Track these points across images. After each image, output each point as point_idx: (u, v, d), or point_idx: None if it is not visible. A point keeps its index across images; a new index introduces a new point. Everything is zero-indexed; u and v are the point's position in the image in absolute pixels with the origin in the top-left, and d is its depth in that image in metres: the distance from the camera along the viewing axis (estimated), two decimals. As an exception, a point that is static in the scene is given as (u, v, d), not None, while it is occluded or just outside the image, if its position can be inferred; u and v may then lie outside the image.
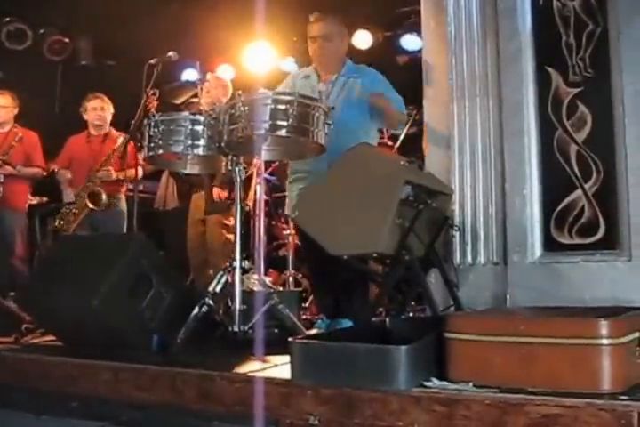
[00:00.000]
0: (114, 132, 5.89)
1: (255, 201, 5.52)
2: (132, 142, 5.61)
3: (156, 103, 4.63)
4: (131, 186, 6.48)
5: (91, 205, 5.53)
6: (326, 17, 4.23)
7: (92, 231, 5.61)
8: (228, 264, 3.44)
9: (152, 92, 4.49)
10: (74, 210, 5.64)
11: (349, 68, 4.26)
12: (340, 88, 4.17)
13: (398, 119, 4.24)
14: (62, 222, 5.65)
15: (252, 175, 5.29)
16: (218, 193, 5.27)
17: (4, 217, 5.76)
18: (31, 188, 6.09)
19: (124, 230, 5.66)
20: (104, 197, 5.54)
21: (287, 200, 4.46)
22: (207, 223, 5.44)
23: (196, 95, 5.62)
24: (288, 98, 3.34)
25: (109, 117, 5.97)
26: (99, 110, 5.88)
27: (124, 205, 5.86)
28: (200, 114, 3.72)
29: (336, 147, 3.46)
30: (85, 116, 5.93)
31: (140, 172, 5.63)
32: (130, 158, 5.58)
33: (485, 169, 3.61)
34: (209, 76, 5.31)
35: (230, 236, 5.00)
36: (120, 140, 5.65)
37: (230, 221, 5.06)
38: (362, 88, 4.13)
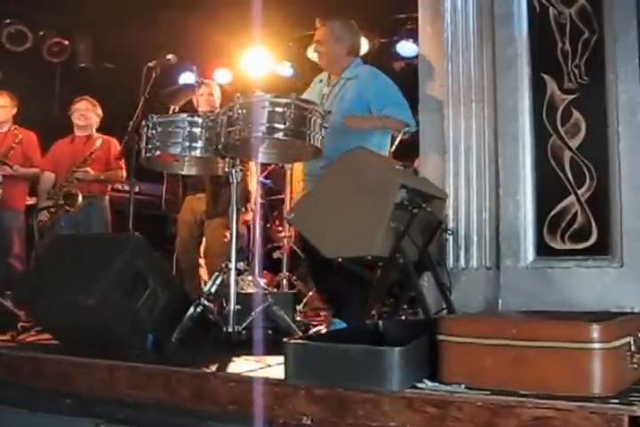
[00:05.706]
0: (97, 134, 5.92)
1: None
2: (114, 144, 5.70)
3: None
4: (121, 187, 6.58)
5: (67, 207, 5.55)
6: (325, 22, 4.30)
7: (74, 230, 5.61)
8: (223, 265, 3.47)
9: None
10: (51, 209, 5.68)
11: (352, 69, 4.23)
12: (338, 91, 4.18)
13: (394, 126, 4.11)
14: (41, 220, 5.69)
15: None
16: None
17: (3, 217, 5.80)
18: (28, 188, 6.11)
19: (108, 230, 5.68)
20: (79, 198, 5.55)
21: None
22: (207, 226, 5.35)
23: (191, 100, 5.65)
24: (285, 101, 3.34)
25: (95, 120, 6.00)
26: (82, 111, 5.92)
27: (106, 205, 5.87)
28: (198, 116, 3.74)
29: (329, 150, 3.52)
30: (72, 118, 5.96)
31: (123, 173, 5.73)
32: (112, 160, 5.65)
33: (479, 174, 3.64)
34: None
35: None
36: (98, 142, 5.69)
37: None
38: (353, 90, 4.13)
